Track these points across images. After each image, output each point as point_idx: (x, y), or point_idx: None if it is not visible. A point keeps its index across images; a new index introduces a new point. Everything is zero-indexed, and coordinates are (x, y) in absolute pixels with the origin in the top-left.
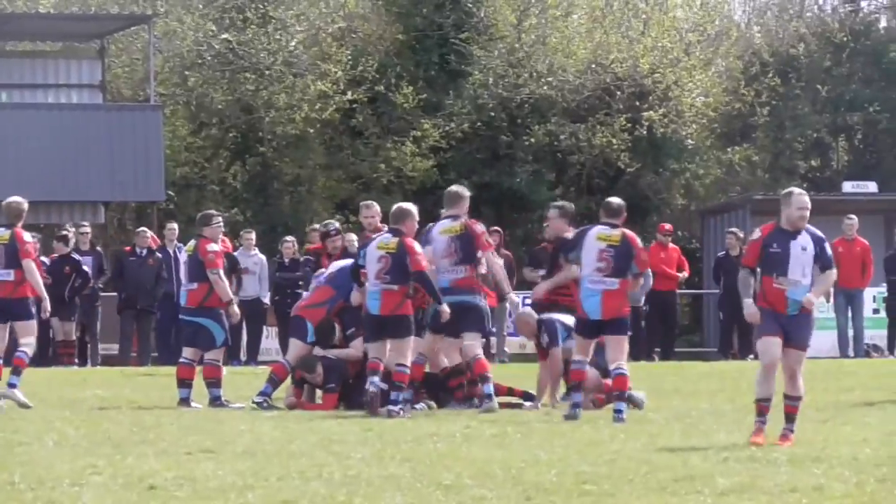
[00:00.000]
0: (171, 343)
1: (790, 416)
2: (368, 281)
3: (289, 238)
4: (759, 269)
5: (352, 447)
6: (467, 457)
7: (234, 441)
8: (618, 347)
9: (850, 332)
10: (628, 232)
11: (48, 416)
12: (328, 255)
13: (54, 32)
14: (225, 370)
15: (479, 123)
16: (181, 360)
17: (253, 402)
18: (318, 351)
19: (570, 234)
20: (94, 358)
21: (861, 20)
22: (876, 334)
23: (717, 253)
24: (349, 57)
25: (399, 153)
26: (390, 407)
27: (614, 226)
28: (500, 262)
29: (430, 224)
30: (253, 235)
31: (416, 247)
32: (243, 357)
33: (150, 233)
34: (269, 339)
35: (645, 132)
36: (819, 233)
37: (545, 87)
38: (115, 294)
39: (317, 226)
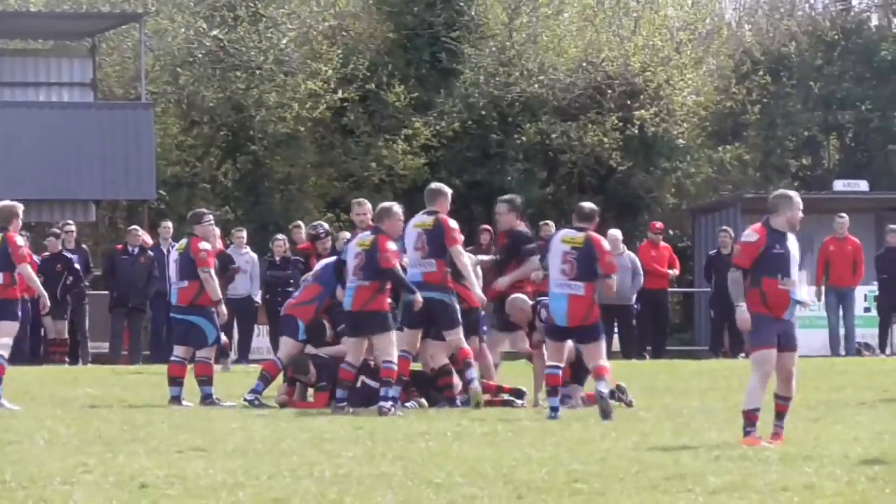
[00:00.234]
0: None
1: (781, 414)
2: (347, 277)
3: (280, 236)
4: (751, 273)
5: (343, 445)
6: (458, 455)
7: (226, 439)
8: (592, 354)
9: (842, 331)
10: (594, 235)
11: (39, 414)
12: (318, 255)
13: (45, 31)
14: (218, 367)
15: (469, 122)
16: (172, 358)
17: (244, 400)
18: (309, 349)
19: (521, 226)
20: (83, 356)
21: (852, 18)
22: (867, 333)
23: (709, 251)
24: (340, 55)
25: (390, 151)
26: (381, 404)
27: (581, 229)
28: (478, 258)
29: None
30: (244, 234)
31: (389, 245)
32: (234, 356)
33: (141, 231)
34: (261, 337)
35: (636, 131)
36: None
37: (536, 86)
38: (106, 292)
39: (300, 223)
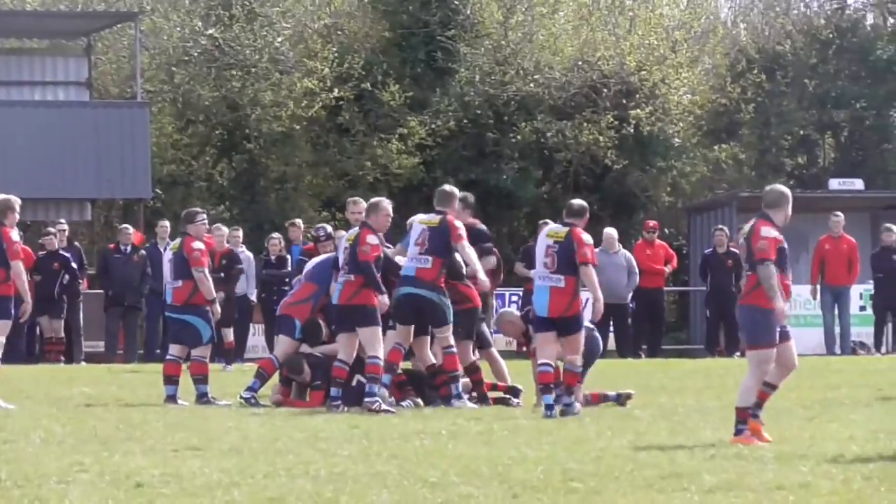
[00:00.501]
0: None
1: (762, 404)
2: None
3: (275, 235)
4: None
5: (338, 444)
6: (454, 454)
7: (221, 438)
8: (570, 346)
9: (837, 330)
10: (577, 229)
11: (35, 413)
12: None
13: (41, 30)
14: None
15: (465, 121)
16: (168, 356)
17: (241, 398)
18: (304, 348)
19: (478, 224)
20: (77, 355)
21: (847, 17)
22: (862, 332)
23: (704, 250)
24: (335, 54)
25: (385, 151)
26: (366, 400)
27: (568, 224)
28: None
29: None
30: (240, 233)
31: (369, 238)
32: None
33: (132, 229)
34: (256, 335)
35: (632, 130)
36: None
37: (532, 85)
38: (100, 291)
39: (296, 221)
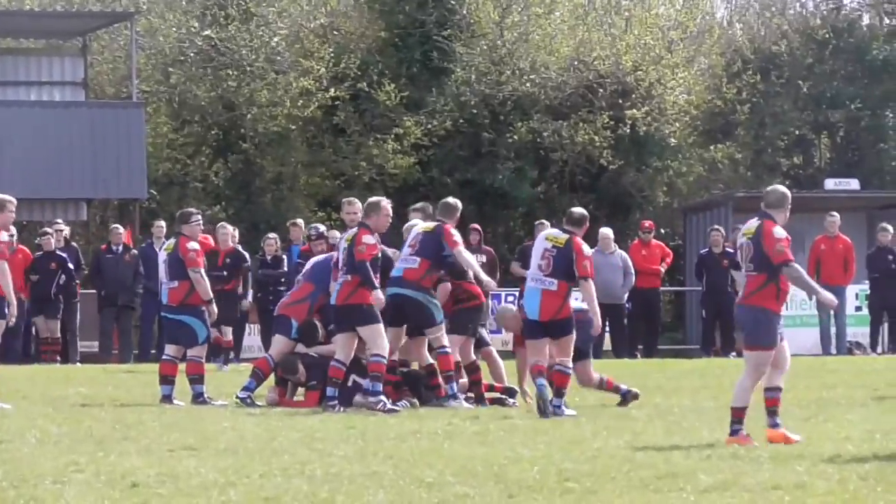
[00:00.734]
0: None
1: (776, 410)
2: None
3: (271, 235)
4: (766, 269)
5: (334, 444)
6: (450, 454)
7: (217, 438)
8: (562, 349)
9: (833, 330)
10: (577, 238)
11: (31, 413)
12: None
13: (37, 30)
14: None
15: (461, 121)
16: (164, 356)
17: (237, 397)
18: (300, 349)
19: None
20: (72, 355)
21: (843, 18)
22: (858, 332)
23: (700, 250)
24: (331, 54)
25: (381, 150)
26: (371, 399)
27: (568, 232)
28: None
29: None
30: (236, 233)
31: (365, 238)
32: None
33: (122, 229)
34: (252, 335)
35: (627, 130)
36: None
37: (528, 85)
38: (94, 292)
39: (298, 221)
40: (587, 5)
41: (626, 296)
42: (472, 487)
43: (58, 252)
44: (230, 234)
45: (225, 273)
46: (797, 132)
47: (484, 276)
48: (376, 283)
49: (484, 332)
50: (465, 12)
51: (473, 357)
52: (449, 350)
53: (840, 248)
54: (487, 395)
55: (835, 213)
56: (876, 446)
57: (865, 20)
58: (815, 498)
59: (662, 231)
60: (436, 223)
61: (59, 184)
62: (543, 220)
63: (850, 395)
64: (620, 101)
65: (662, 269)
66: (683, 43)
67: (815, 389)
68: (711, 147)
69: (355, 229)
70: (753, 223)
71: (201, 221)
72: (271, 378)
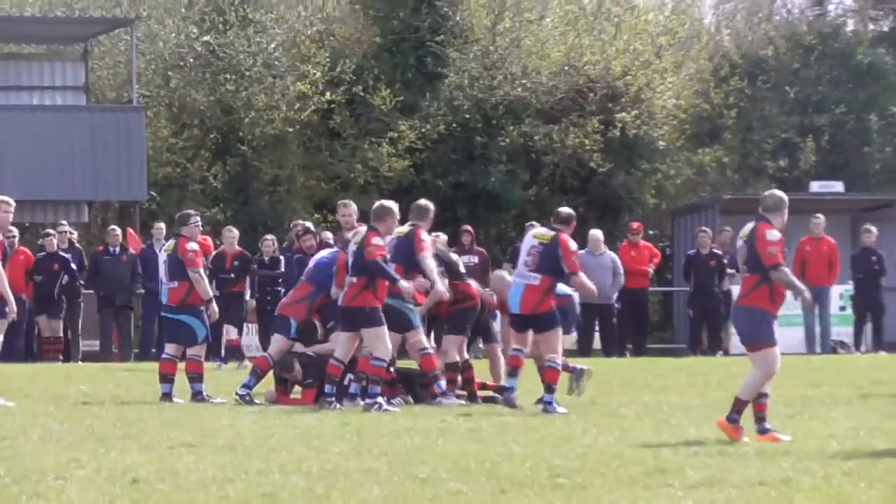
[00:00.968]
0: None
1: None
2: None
3: (269, 237)
4: (759, 271)
5: (330, 441)
6: (443, 451)
7: (215, 435)
8: (547, 344)
9: (818, 329)
10: (564, 236)
11: (33, 411)
12: (304, 253)
13: (39, 35)
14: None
15: (454, 125)
16: (163, 355)
17: (236, 395)
18: (297, 348)
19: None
20: (75, 354)
21: (829, 23)
22: (842, 331)
23: (688, 251)
24: (327, 59)
25: (376, 154)
26: (368, 401)
27: (554, 229)
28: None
29: None
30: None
31: (374, 240)
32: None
33: (119, 231)
34: (250, 335)
35: (617, 133)
36: None
37: (519, 89)
38: (92, 292)
39: (300, 223)
40: (578, 11)
41: (615, 296)
42: (465, 483)
43: (61, 253)
44: (236, 237)
45: (233, 275)
46: (783, 136)
47: (439, 285)
48: (396, 276)
49: (493, 329)
50: (458, 18)
51: (466, 356)
52: (431, 351)
53: (825, 249)
54: (480, 393)
55: (819, 215)
56: (860, 443)
57: (850, 26)
58: (800, 494)
59: (651, 232)
60: (409, 227)
61: (61, 186)
62: (534, 222)
63: (835, 393)
64: (610, 105)
65: (651, 270)
66: (672, 48)
67: (800, 388)
68: (699, 150)
69: (364, 232)
70: (749, 226)
71: (200, 223)
72: (271, 376)
